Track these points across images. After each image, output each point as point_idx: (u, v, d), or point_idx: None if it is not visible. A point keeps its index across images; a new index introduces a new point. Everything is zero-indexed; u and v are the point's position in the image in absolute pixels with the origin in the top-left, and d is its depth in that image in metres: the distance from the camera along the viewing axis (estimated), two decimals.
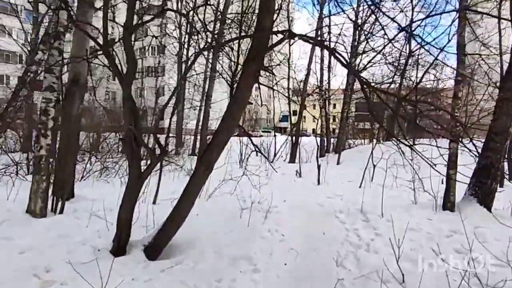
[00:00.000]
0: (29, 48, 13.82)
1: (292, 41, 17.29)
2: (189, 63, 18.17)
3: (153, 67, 22.32)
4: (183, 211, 3.95)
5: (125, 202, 3.92)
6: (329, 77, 16.53)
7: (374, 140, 17.40)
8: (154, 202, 6.20)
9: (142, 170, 3.91)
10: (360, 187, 8.21)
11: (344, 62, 3.67)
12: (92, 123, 14.50)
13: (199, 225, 4.89)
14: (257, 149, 4.73)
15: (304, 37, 3.48)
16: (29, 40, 14.42)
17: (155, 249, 4.01)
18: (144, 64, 22.35)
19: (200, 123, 13.54)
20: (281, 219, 5.51)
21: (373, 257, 4.06)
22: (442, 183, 7.47)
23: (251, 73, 3.58)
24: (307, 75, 13.89)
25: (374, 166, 8.92)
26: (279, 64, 14.99)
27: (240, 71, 3.85)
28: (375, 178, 8.83)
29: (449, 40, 14.95)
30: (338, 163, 12.28)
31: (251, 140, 4.52)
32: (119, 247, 4.00)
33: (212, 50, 10.92)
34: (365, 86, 3.64)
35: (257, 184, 6.60)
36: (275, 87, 18.54)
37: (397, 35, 9.12)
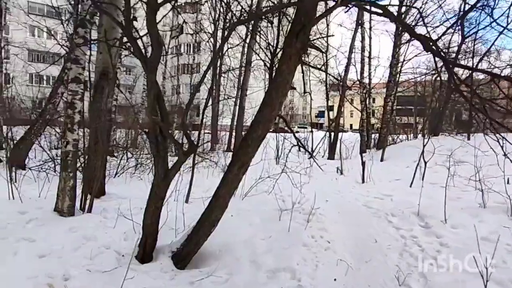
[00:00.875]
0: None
1: (330, 32, 16.43)
2: (225, 35, 17.83)
3: (189, 64, 22.21)
4: (214, 216, 3.40)
5: (150, 205, 3.43)
6: (370, 68, 15.45)
7: (420, 135, 16.16)
8: (186, 201, 5.74)
9: (170, 168, 3.41)
10: (410, 186, 7.31)
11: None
12: (127, 119, 14.46)
13: (234, 228, 4.34)
14: (300, 144, 4.09)
15: (363, 3, 2.78)
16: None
17: (184, 256, 3.51)
18: (179, 62, 22.26)
19: (236, 118, 13.08)
20: (325, 222, 4.83)
21: (444, 276, 3.30)
22: (508, 182, 6.46)
23: (295, 52, 2.95)
24: (348, 65, 12.97)
25: (426, 163, 7.94)
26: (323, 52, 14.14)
27: (281, 51, 3.19)
28: (426, 176, 7.88)
29: (508, 23, 13.53)
30: (382, 159, 11.30)
31: (294, 135, 3.90)
32: (145, 253, 3.54)
33: (246, 39, 10.39)
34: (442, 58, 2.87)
35: (298, 182, 5.94)
36: (312, 79, 17.80)
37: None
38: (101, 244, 3.85)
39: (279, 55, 3.25)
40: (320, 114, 39.76)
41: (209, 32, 18.59)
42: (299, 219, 4.78)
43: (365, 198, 6.49)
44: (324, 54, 16.32)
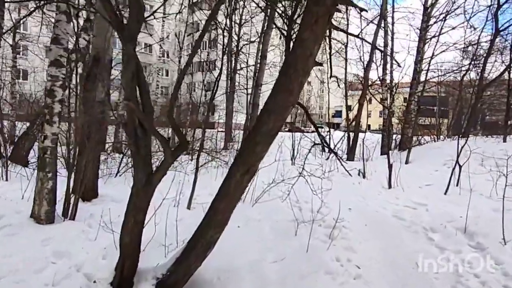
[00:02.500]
0: None
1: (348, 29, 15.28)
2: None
3: (204, 61, 21.40)
4: (210, 236, 2.52)
5: (128, 218, 2.57)
6: (391, 66, 14.27)
7: (444, 136, 14.88)
8: (188, 207, 4.89)
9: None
10: (445, 193, 6.24)
11: None
12: None
13: (238, 246, 3.45)
14: (324, 143, 3.17)
15: None
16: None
17: (170, 286, 2.63)
18: (195, 59, 21.51)
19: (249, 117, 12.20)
20: (351, 239, 3.87)
21: None
22: None
23: (323, 11, 2.02)
24: (369, 61, 11.86)
25: (460, 167, 6.80)
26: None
27: (301, 13, 2.25)
28: (461, 182, 6.75)
29: None
30: (407, 162, 10.18)
31: (317, 131, 2.98)
32: (123, 279, 2.69)
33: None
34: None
35: (318, 188, 4.97)
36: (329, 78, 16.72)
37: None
38: (73, 263, 3.02)
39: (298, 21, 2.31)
40: (337, 114, 38.32)
41: (223, 28, 17.81)
42: (319, 234, 3.84)
43: (395, 207, 5.48)
44: (344, 47, 15.34)
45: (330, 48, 3.02)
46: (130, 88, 2.37)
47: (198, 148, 11.33)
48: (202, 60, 22.32)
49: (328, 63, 3.09)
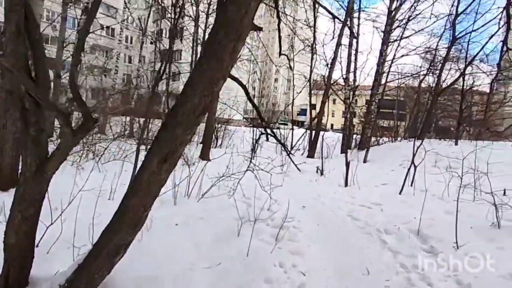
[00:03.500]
0: None
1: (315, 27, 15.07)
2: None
3: (167, 50, 20.47)
4: (119, 238, 1.97)
5: (14, 214, 1.97)
6: (355, 66, 14.22)
7: (401, 138, 15.15)
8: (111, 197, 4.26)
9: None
10: (400, 193, 6.05)
11: None
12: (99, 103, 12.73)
13: (171, 248, 2.92)
14: (271, 133, 2.72)
15: None
16: None
17: None
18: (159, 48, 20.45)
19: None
20: (300, 241, 3.47)
21: None
22: (505, 194, 5.32)
23: None
24: (334, 59, 11.65)
25: (415, 167, 6.67)
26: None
27: None
28: (415, 182, 6.62)
29: (492, 36, 12.55)
30: (365, 161, 10.08)
31: (264, 125, 2.51)
32: None
33: None
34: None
35: (268, 184, 4.53)
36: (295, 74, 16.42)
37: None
38: None
39: None
40: (302, 112, 38.44)
41: (190, 16, 16.99)
42: (265, 235, 3.40)
43: (350, 206, 5.18)
44: (310, 47, 15.11)
45: (279, 22, 2.55)
46: (13, 45, 1.76)
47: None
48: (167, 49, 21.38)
49: (278, 39, 2.62)
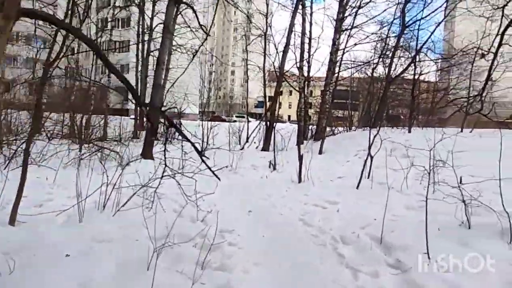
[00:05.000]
0: None
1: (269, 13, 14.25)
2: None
3: (117, 42, 18.57)
4: None
5: None
6: (309, 55, 13.62)
7: (355, 127, 14.89)
8: (11, 222, 3.14)
9: None
10: (358, 187, 5.40)
11: None
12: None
13: None
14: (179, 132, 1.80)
15: None
16: None
17: None
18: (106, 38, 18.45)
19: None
20: (236, 266, 2.59)
21: None
22: (461, 182, 4.85)
23: None
24: (286, 47, 10.86)
25: (372, 158, 6.06)
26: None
27: None
28: (372, 173, 6.02)
29: (439, 24, 12.52)
30: (320, 152, 9.45)
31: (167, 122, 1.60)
32: None
33: None
34: None
35: (198, 192, 3.57)
36: (249, 66, 15.55)
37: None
38: None
39: None
40: (260, 104, 37.72)
41: (137, 4, 15.42)
42: (186, 264, 2.48)
43: (303, 207, 4.42)
44: (263, 35, 14.27)
45: None
46: None
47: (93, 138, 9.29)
48: (115, 40, 19.43)
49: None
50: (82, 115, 9.33)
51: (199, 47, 12.09)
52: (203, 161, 2.37)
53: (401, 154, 7.44)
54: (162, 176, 3.03)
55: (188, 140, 2.24)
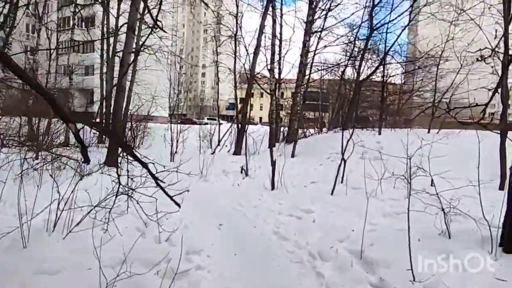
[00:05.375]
0: None
1: (239, 14, 13.99)
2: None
3: (80, 42, 17.43)
4: None
5: None
6: (280, 57, 13.45)
7: (327, 129, 14.92)
8: None
9: None
10: (332, 193, 5.22)
11: None
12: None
13: None
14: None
15: None
16: None
17: None
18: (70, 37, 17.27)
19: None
20: None
21: None
22: (432, 184, 4.81)
23: None
24: (257, 48, 10.61)
25: (345, 161, 5.92)
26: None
27: None
28: (346, 177, 5.87)
29: (404, 27, 12.82)
30: (293, 155, 9.26)
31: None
32: None
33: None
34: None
35: (160, 211, 3.18)
36: (220, 68, 15.16)
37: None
38: None
39: None
40: (231, 106, 37.23)
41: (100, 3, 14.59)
42: None
43: (277, 217, 4.16)
44: (233, 36, 13.97)
45: None
46: None
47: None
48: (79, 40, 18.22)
49: None
50: (39, 120, 8.57)
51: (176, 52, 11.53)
52: (160, 187, 2.01)
53: (374, 156, 7.42)
54: (117, 195, 2.63)
55: (144, 165, 1.87)
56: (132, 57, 7.40)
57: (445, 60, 10.49)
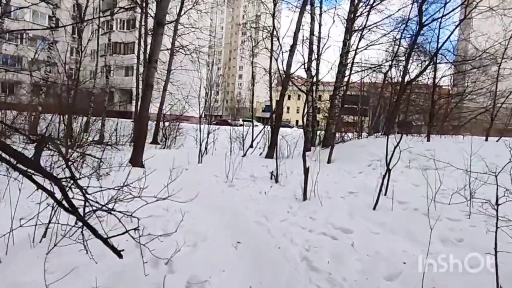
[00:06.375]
0: None
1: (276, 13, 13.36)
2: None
3: (121, 43, 17.77)
4: None
5: None
6: (317, 56, 12.61)
7: (366, 133, 13.79)
8: None
9: None
10: (374, 208, 4.36)
11: None
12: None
13: None
14: None
15: None
16: None
17: None
18: (111, 40, 17.64)
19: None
20: None
21: None
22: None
23: None
24: (292, 46, 9.86)
25: (390, 171, 5.00)
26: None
27: None
28: (390, 189, 4.95)
29: (459, 24, 11.40)
30: (329, 161, 8.40)
31: None
32: None
33: None
34: None
35: (149, 235, 2.58)
36: (256, 69, 14.65)
37: None
38: None
39: None
40: (267, 108, 36.68)
41: (139, 4, 14.65)
42: None
43: (307, 236, 3.42)
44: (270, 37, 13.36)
45: None
46: None
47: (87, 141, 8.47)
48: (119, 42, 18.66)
49: None
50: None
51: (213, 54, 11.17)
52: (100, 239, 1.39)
53: (422, 165, 6.41)
54: (85, 214, 2.04)
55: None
56: (161, 54, 7.07)
57: (510, 58, 9.05)
